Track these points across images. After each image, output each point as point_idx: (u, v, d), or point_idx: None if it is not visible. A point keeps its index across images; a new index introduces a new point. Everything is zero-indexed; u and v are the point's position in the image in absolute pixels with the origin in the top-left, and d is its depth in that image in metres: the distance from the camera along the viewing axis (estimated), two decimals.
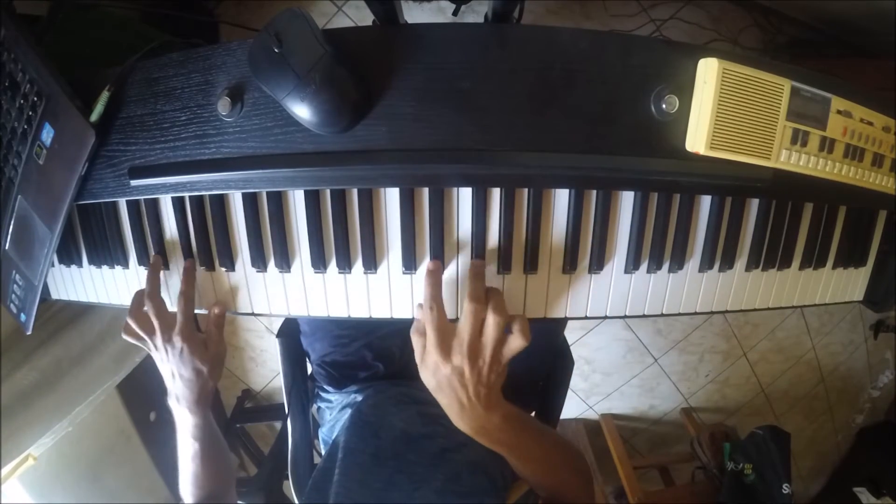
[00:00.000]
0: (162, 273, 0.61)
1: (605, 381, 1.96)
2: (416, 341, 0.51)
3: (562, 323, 0.88)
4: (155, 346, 0.59)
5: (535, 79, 0.49)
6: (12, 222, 0.63)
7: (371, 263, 0.56)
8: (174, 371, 0.59)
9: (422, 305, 0.52)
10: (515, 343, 0.50)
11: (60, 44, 0.71)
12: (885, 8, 1.13)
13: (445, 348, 0.48)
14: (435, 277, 0.52)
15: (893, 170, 0.60)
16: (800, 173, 0.54)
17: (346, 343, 0.78)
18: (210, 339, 0.61)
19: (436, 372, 0.49)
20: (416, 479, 0.57)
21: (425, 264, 0.55)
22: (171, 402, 0.61)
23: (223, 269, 0.60)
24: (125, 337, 0.60)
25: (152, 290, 0.58)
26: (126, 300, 0.65)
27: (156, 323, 0.58)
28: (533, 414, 0.88)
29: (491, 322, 0.49)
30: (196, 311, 0.62)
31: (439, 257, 0.55)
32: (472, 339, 0.48)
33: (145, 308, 0.58)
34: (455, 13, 1.36)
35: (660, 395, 2.02)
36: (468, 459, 0.61)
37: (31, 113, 0.57)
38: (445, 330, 0.49)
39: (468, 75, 0.49)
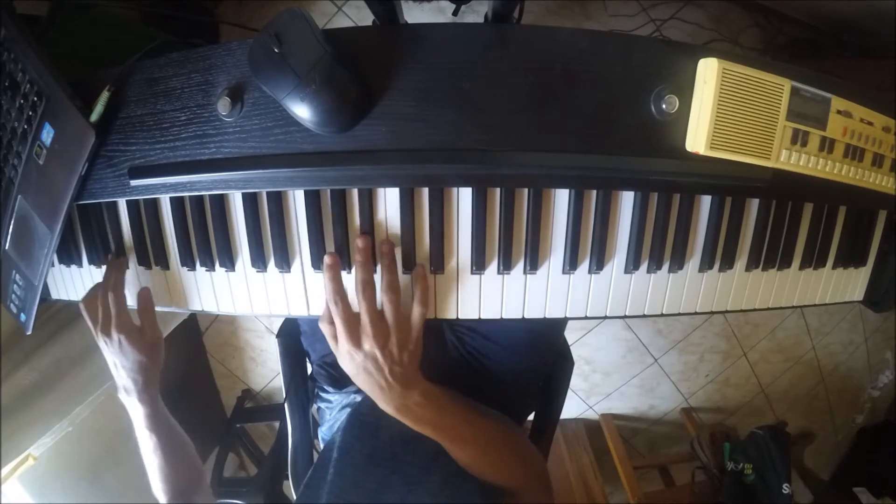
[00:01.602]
0: (151, 280, 0.63)
1: (605, 381, 1.96)
2: (325, 330, 0.53)
3: (562, 323, 0.88)
4: (97, 335, 0.61)
5: (535, 79, 0.49)
6: (12, 222, 0.63)
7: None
8: (116, 362, 0.61)
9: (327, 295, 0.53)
10: (416, 312, 0.52)
11: (60, 44, 0.71)
12: (885, 8, 1.14)
13: (354, 337, 0.51)
14: (334, 271, 0.53)
15: (893, 170, 0.60)
16: (800, 173, 0.54)
17: None
18: (143, 327, 0.62)
19: (350, 360, 0.52)
20: (411, 480, 0.57)
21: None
22: (121, 396, 0.63)
23: (223, 269, 0.60)
24: (81, 302, 0.62)
25: (115, 283, 0.60)
26: (126, 300, 0.65)
27: (100, 312, 0.60)
28: (533, 414, 0.88)
29: (386, 301, 0.51)
30: (169, 310, 0.63)
31: (439, 257, 0.55)
32: (375, 323, 0.50)
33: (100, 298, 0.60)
34: (455, 13, 1.36)
35: (660, 395, 2.02)
36: None
37: (31, 113, 0.57)
38: (351, 320, 0.51)
39: (468, 75, 0.49)
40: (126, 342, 0.59)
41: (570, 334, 1.03)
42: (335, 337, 0.52)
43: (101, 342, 0.61)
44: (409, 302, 0.54)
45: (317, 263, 0.57)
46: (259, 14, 1.40)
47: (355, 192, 0.54)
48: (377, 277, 0.54)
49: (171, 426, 0.66)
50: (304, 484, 0.61)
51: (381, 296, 0.52)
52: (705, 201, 0.57)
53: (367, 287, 0.51)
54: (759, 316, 1.94)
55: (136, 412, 0.63)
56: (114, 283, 0.60)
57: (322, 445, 0.85)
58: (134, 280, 0.64)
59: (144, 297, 0.62)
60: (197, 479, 0.68)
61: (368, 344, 0.50)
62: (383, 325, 0.51)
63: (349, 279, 0.55)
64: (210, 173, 0.53)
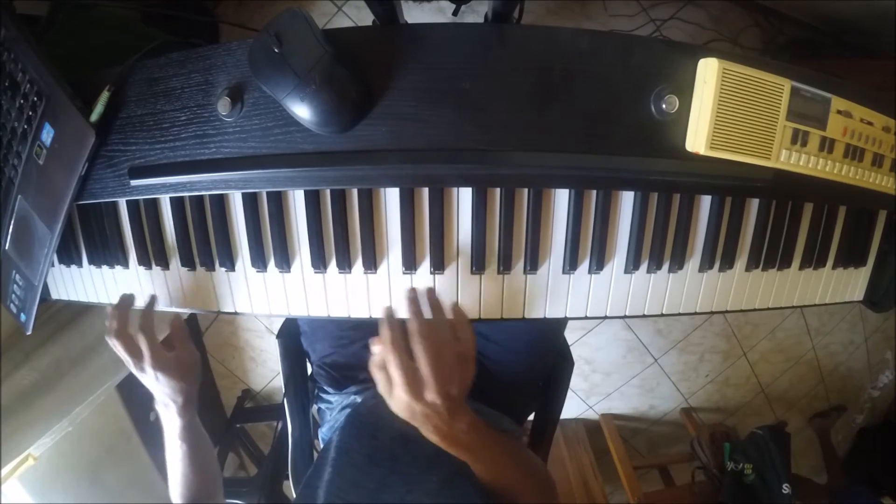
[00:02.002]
0: (151, 279, 0.63)
1: (605, 381, 1.96)
2: (377, 376, 0.51)
3: (562, 323, 0.88)
4: (133, 368, 0.61)
5: (535, 79, 0.49)
6: (12, 222, 0.63)
7: (371, 263, 0.56)
8: (154, 388, 0.62)
9: (374, 340, 0.51)
10: (465, 348, 0.51)
11: (60, 44, 0.71)
12: (885, 8, 1.14)
13: (415, 390, 0.48)
14: (392, 321, 0.51)
15: (893, 170, 0.60)
16: (800, 173, 0.54)
17: (346, 344, 0.78)
18: (181, 356, 0.63)
19: (409, 410, 0.50)
20: (410, 480, 0.57)
21: (426, 261, 0.55)
22: (159, 407, 0.64)
23: (223, 269, 0.60)
24: (114, 336, 0.62)
25: (117, 326, 0.60)
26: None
27: (127, 357, 0.60)
28: (533, 414, 0.88)
29: (446, 348, 0.49)
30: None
31: (439, 257, 0.55)
32: (438, 376, 0.48)
33: (115, 341, 0.60)
34: (455, 13, 1.36)
35: (660, 395, 2.02)
36: (462, 463, 0.61)
37: (31, 113, 0.57)
38: (411, 373, 0.49)
39: (468, 75, 0.49)
40: (162, 376, 0.60)
41: (570, 334, 1.03)
42: (387, 386, 0.50)
43: (135, 372, 0.61)
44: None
45: (317, 263, 0.57)
46: (259, 14, 1.40)
47: (355, 192, 0.54)
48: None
49: (201, 437, 0.67)
50: (303, 484, 0.61)
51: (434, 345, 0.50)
52: (705, 201, 0.57)
53: (425, 338, 0.49)
54: (759, 316, 1.94)
55: (172, 423, 0.64)
56: (142, 324, 0.60)
57: (322, 446, 0.85)
58: (134, 281, 0.64)
59: (177, 326, 0.63)
60: (216, 487, 0.69)
61: (432, 395, 0.48)
62: (445, 370, 0.49)
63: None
64: (210, 173, 0.53)
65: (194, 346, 0.65)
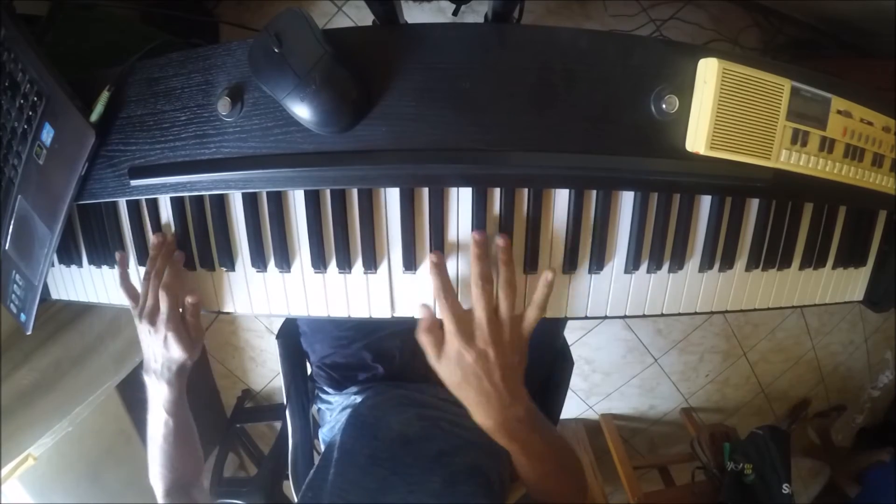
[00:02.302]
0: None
1: (605, 381, 1.96)
2: (425, 341, 0.50)
3: (562, 323, 0.88)
4: (139, 319, 0.59)
5: (535, 79, 0.49)
6: (12, 222, 0.63)
7: (371, 263, 0.56)
8: (155, 351, 0.59)
9: (426, 305, 0.52)
10: (532, 314, 0.50)
11: (60, 44, 0.71)
12: (885, 8, 1.14)
13: (467, 334, 0.47)
14: (440, 268, 0.52)
15: (893, 170, 0.60)
16: (800, 173, 0.54)
17: (346, 344, 0.78)
18: (190, 327, 0.61)
19: (459, 361, 0.48)
20: (412, 481, 0.57)
21: (427, 260, 0.55)
22: (148, 377, 0.61)
23: (223, 269, 0.60)
24: (120, 288, 0.61)
25: (161, 268, 0.58)
26: (126, 300, 0.65)
27: (150, 300, 0.58)
28: None
29: (503, 298, 0.49)
30: None
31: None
32: (491, 320, 0.48)
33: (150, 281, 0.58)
34: (455, 13, 1.36)
35: (660, 395, 2.02)
36: (465, 463, 0.61)
37: (31, 113, 0.57)
38: (463, 317, 0.48)
39: (468, 75, 0.49)
40: (172, 339, 0.58)
41: (570, 334, 1.03)
42: (437, 346, 0.49)
43: (143, 327, 0.59)
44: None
45: (317, 263, 0.57)
46: (259, 14, 1.40)
47: (355, 192, 0.54)
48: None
49: (187, 415, 0.65)
50: (306, 485, 0.61)
51: (496, 293, 0.49)
52: (705, 201, 0.57)
53: (486, 282, 0.48)
54: (759, 316, 1.94)
55: (159, 394, 0.61)
56: (169, 280, 0.58)
57: (322, 446, 0.85)
58: (134, 281, 0.64)
59: (195, 300, 0.61)
60: (198, 473, 0.67)
61: (483, 341, 0.47)
62: (498, 322, 0.48)
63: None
64: (210, 173, 0.53)
65: (202, 326, 0.63)
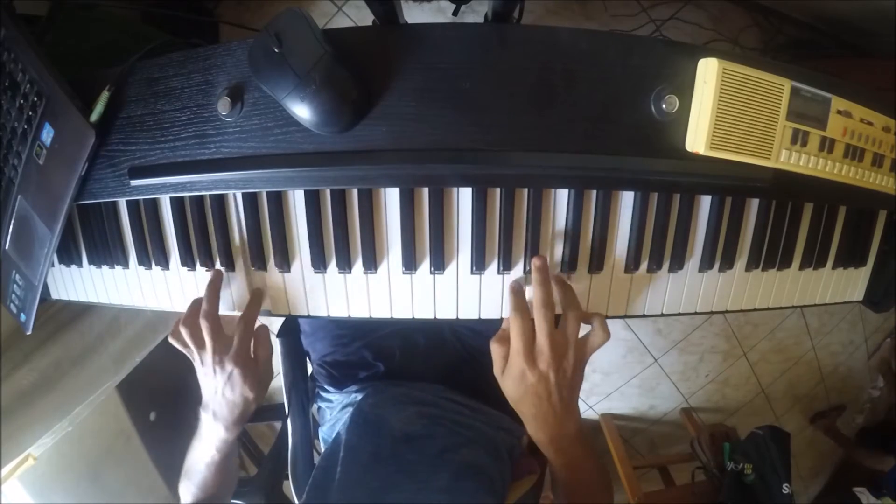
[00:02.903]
0: (164, 277, 0.61)
1: (605, 381, 1.96)
2: (496, 351, 0.51)
3: None
4: (202, 362, 0.56)
5: (535, 79, 0.49)
6: (12, 222, 0.63)
7: (371, 263, 0.56)
8: (218, 390, 0.56)
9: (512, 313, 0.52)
10: (596, 339, 0.51)
11: (60, 44, 0.71)
12: (885, 8, 1.14)
13: (530, 356, 0.49)
14: (518, 291, 0.52)
15: (893, 170, 0.60)
16: (800, 173, 0.54)
17: (347, 343, 0.78)
18: (258, 363, 0.58)
19: (522, 380, 0.49)
20: (417, 479, 0.57)
21: (426, 262, 0.55)
22: (205, 415, 0.58)
23: (223, 269, 0.60)
24: (171, 341, 0.57)
25: (210, 308, 0.55)
26: (126, 300, 0.65)
27: (209, 343, 0.55)
28: None
29: (568, 318, 0.50)
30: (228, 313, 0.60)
31: (439, 257, 0.55)
32: (554, 345, 0.49)
33: (200, 322, 0.55)
34: (455, 13, 1.36)
35: (660, 395, 2.02)
36: (468, 460, 0.61)
37: (31, 113, 0.57)
38: (531, 338, 0.49)
39: (468, 75, 0.49)
40: (239, 376, 0.55)
41: None
42: (505, 357, 0.51)
43: (208, 368, 0.55)
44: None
45: (317, 263, 0.57)
46: (259, 14, 1.40)
47: (355, 192, 0.54)
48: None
49: (236, 451, 0.64)
50: (310, 484, 0.61)
51: (562, 316, 0.51)
52: (705, 201, 0.57)
53: (548, 308, 0.49)
54: (759, 316, 1.94)
55: (215, 434, 0.58)
56: (249, 313, 0.56)
57: (322, 445, 0.85)
58: (134, 281, 0.64)
59: (264, 333, 0.59)
60: (230, 490, 0.68)
61: (545, 365, 0.48)
62: (562, 346, 0.49)
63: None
64: (210, 173, 0.53)
65: (272, 362, 0.61)
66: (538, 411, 0.50)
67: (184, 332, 0.56)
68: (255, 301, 0.57)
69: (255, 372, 0.57)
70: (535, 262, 0.52)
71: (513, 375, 0.50)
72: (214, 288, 0.57)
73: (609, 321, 0.54)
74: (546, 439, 0.52)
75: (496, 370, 0.52)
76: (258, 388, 0.58)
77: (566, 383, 0.50)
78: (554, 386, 0.49)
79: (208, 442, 0.59)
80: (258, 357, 0.59)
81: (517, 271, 0.56)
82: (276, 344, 0.85)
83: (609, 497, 0.61)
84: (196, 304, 0.57)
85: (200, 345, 0.56)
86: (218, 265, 0.59)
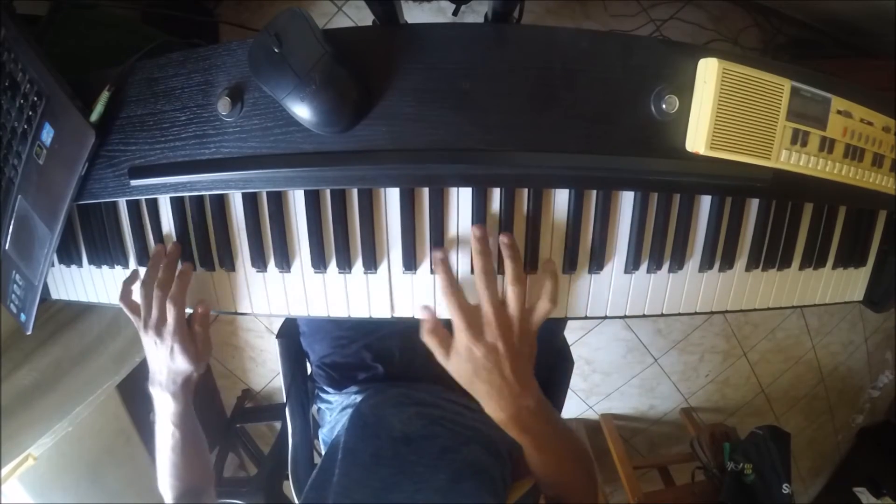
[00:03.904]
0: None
1: (605, 381, 1.96)
2: (430, 342, 0.51)
3: (562, 323, 0.88)
4: (145, 330, 0.58)
5: (535, 79, 0.49)
6: (12, 222, 0.63)
7: (371, 263, 0.56)
8: (161, 360, 0.59)
9: (426, 306, 0.52)
10: (543, 307, 0.50)
11: (60, 44, 0.71)
12: (885, 8, 1.14)
13: (475, 329, 0.48)
14: (444, 264, 0.52)
15: (893, 170, 0.60)
16: (800, 173, 0.54)
17: (346, 344, 0.78)
18: (197, 338, 0.60)
19: (469, 356, 0.49)
20: (417, 479, 0.57)
21: (427, 260, 0.55)
22: (154, 389, 0.61)
23: (223, 270, 0.60)
24: (120, 303, 0.60)
25: (165, 277, 0.57)
26: (127, 312, 0.65)
27: (155, 312, 0.57)
28: None
29: (510, 293, 0.49)
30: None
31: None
32: (499, 314, 0.48)
33: (153, 290, 0.57)
34: (455, 13, 1.36)
35: (660, 395, 2.02)
36: (468, 460, 0.61)
37: (31, 113, 0.57)
38: (470, 311, 0.49)
39: (468, 75, 0.49)
40: (178, 350, 0.58)
41: (570, 334, 1.03)
42: (444, 345, 0.50)
43: (148, 339, 0.58)
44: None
45: (317, 263, 0.57)
46: (259, 14, 1.40)
47: (355, 192, 0.54)
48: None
49: (195, 425, 0.65)
50: (309, 486, 0.61)
51: (504, 288, 0.50)
52: (705, 201, 0.57)
53: (490, 276, 0.49)
54: (759, 316, 1.94)
55: (166, 407, 0.61)
56: (177, 291, 0.57)
57: (322, 446, 0.85)
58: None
59: (205, 309, 0.61)
60: (207, 480, 0.68)
61: (491, 335, 0.48)
62: (506, 316, 0.49)
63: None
64: (210, 173, 0.53)
65: (210, 337, 0.63)
66: (491, 386, 0.49)
67: (125, 297, 0.59)
68: (183, 278, 0.59)
69: (193, 346, 0.59)
70: (475, 231, 0.51)
71: (459, 353, 0.49)
72: (172, 259, 0.58)
73: (609, 321, 0.54)
74: (505, 417, 0.50)
75: (439, 358, 0.51)
76: (196, 361, 0.60)
77: (516, 354, 0.49)
78: (504, 357, 0.48)
79: (164, 419, 0.61)
80: (195, 333, 0.60)
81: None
82: (276, 345, 0.85)
83: (590, 478, 0.60)
84: (153, 271, 0.58)
85: (148, 312, 0.58)
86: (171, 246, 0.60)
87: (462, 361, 0.49)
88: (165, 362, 0.59)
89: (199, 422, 0.66)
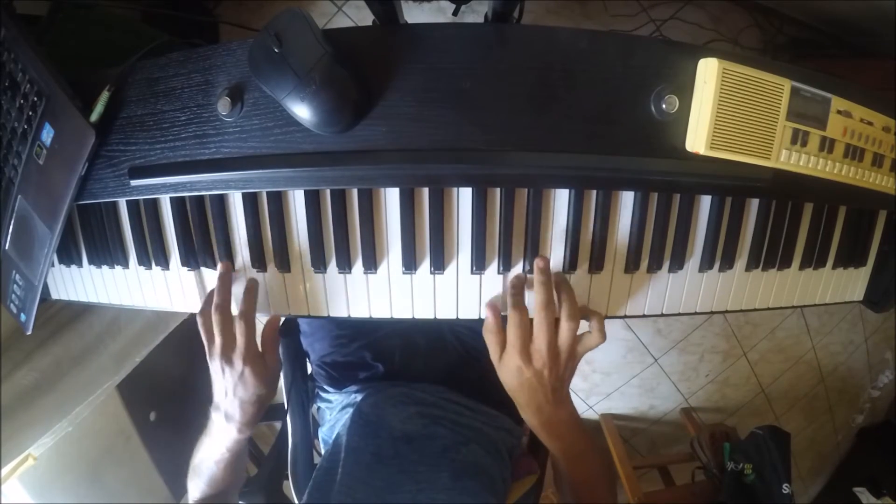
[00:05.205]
0: (164, 277, 0.61)
1: (605, 381, 1.96)
2: (490, 340, 0.54)
3: None
4: (211, 358, 0.56)
5: (535, 79, 0.49)
6: (12, 222, 0.63)
7: (371, 263, 0.56)
8: (229, 390, 0.55)
9: (494, 305, 0.55)
10: (592, 341, 0.53)
11: (60, 44, 0.71)
12: (885, 8, 1.13)
13: (526, 353, 0.51)
14: (518, 286, 0.54)
15: (893, 170, 0.60)
16: (800, 173, 0.54)
17: (346, 343, 0.78)
18: (267, 358, 0.57)
19: (518, 375, 0.52)
20: (419, 479, 0.57)
21: (426, 261, 0.55)
22: (216, 415, 0.58)
23: (229, 263, 0.59)
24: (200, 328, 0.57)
25: (221, 301, 0.55)
26: (126, 300, 0.65)
27: (218, 338, 0.54)
28: None
29: (565, 327, 0.51)
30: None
31: (439, 257, 0.55)
32: (551, 345, 0.51)
33: (212, 315, 0.55)
34: (455, 13, 1.36)
35: (660, 395, 2.02)
36: (469, 460, 0.61)
37: (31, 113, 0.57)
38: (526, 334, 0.51)
39: (468, 75, 0.49)
40: (250, 374, 0.54)
41: None
42: (499, 349, 0.53)
43: (217, 366, 0.55)
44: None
45: (317, 264, 0.57)
46: (259, 14, 1.40)
47: (355, 192, 0.54)
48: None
49: (245, 450, 0.63)
50: (311, 485, 0.61)
51: (560, 321, 0.52)
52: (705, 201, 0.57)
53: (548, 311, 0.51)
54: (759, 316, 1.94)
55: (227, 435, 0.58)
56: (246, 309, 0.55)
57: (322, 445, 0.85)
58: (134, 281, 0.64)
59: (273, 325, 0.58)
60: (237, 487, 0.68)
61: (540, 363, 0.51)
62: (557, 347, 0.51)
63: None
64: (210, 173, 0.53)
65: (280, 356, 0.60)
66: (531, 400, 0.53)
67: (200, 323, 0.56)
68: (249, 294, 0.56)
69: (265, 367, 0.56)
70: (538, 263, 0.53)
71: (509, 368, 0.52)
72: (224, 280, 0.56)
73: (609, 321, 0.55)
74: (539, 423, 0.54)
75: (493, 356, 0.54)
76: (270, 383, 0.57)
77: (559, 381, 0.52)
78: (547, 381, 0.51)
79: (219, 442, 0.59)
80: (266, 351, 0.57)
81: (517, 271, 0.56)
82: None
83: (612, 495, 0.62)
84: (210, 296, 0.57)
85: (211, 339, 0.55)
86: (221, 260, 0.59)
87: (510, 376, 0.53)
88: (233, 390, 0.55)
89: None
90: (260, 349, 0.57)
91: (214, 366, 0.55)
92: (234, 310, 0.56)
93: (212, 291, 0.57)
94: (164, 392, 1.31)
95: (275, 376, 0.59)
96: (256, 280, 0.57)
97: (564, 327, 0.51)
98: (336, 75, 0.46)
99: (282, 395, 0.84)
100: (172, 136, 0.55)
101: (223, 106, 0.51)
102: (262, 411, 0.58)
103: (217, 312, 0.54)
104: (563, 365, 0.52)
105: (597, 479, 0.60)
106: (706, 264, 0.58)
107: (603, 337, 0.53)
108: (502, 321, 0.54)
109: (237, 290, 0.57)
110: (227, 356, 0.54)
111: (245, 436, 0.59)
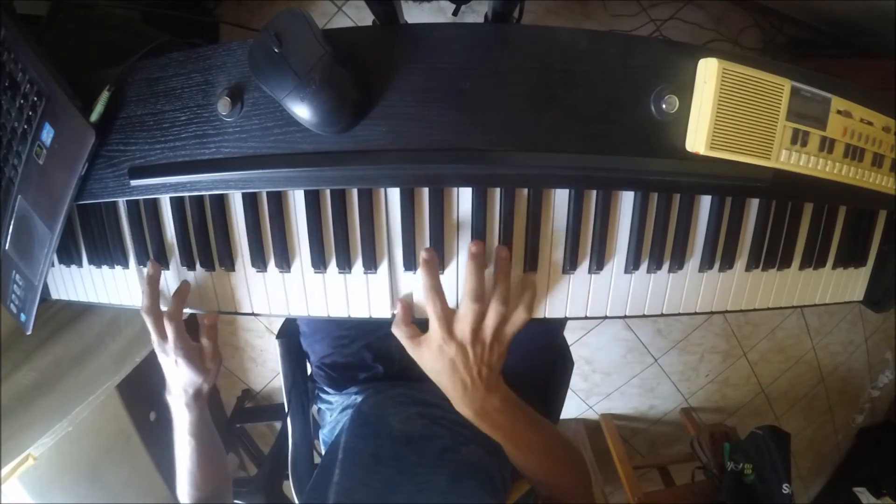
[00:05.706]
0: (162, 275, 0.61)
1: (605, 381, 1.96)
2: (400, 333, 0.53)
3: (562, 323, 0.88)
4: (154, 345, 0.61)
5: (535, 79, 0.49)
6: (12, 222, 0.63)
7: (371, 263, 0.56)
8: (171, 375, 0.62)
9: (403, 300, 0.54)
10: (518, 318, 0.51)
11: (60, 44, 0.71)
12: (885, 8, 1.13)
13: (448, 326, 0.50)
14: (432, 267, 0.53)
15: (893, 170, 0.60)
16: (800, 173, 0.54)
17: (346, 344, 0.78)
18: (205, 350, 0.63)
19: (440, 353, 0.51)
20: (418, 479, 0.57)
21: (419, 257, 0.55)
22: (169, 399, 0.63)
23: (223, 270, 0.60)
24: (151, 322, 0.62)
25: (149, 303, 0.59)
26: (126, 300, 0.65)
27: (153, 333, 0.60)
28: None
29: (492, 311, 0.50)
30: (194, 311, 0.63)
31: (439, 257, 0.55)
32: (475, 331, 0.50)
33: (142, 315, 0.60)
34: (455, 13, 1.36)
35: (660, 395, 2.02)
36: (468, 460, 0.61)
37: (31, 113, 0.57)
38: (447, 312, 0.51)
39: (468, 75, 0.49)
40: (183, 363, 0.60)
41: (570, 334, 1.03)
42: (413, 338, 0.53)
43: (158, 351, 0.61)
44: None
45: (317, 263, 0.57)
46: (259, 14, 1.40)
47: (355, 192, 0.54)
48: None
49: (211, 434, 0.67)
50: (310, 486, 0.61)
51: (488, 302, 0.51)
52: (705, 201, 0.57)
53: (478, 301, 0.50)
54: (759, 316, 1.94)
55: (181, 416, 0.63)
56: (174, 309, 0.60)
57: (322, 446, 0.85)
58: (134, 281, 0.64)
59: (212, 320, 0.63)
60: (224, 484, 0.69)
61: (461, 334, 0.50)
62: (482, 326, 0.50)
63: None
64: (210, 173, 0.53)
65: (219, 348, 0.65)
66: (456, 385, 0.51)
67: (146, 319, 0.61)
68: (178, 296, 0.60)
69: (199, 358, 0.62)
70: (471, 247, 0.52)
71: (431, 348, 0.51)
72: (152, 282, 0.60)
73: (609, 321, 0.55)
74: (471, 413, 0.53)
75: (408, 348, 0.53)
76: (203, 372, 0.62)
77: (485, 360, 0.51)
78: (473, 360, 0.50)
79: (180, 427, 0.64)
80: (202, 344, 0.62)
81: (517, 271, 0.56)
82: (276, 345, 0.85)
83: (580, 476, 0.61)
84: (149, 295, 0.60)
85: (153, 331, 0.61)
86: (152, 258, 0.62)
87: (431, 356, 0.52)
88: (175, 375, 0.61)
89: (215, 430, 0.68)
90: (199, 342, 0.62)
91: (157, 352, 0.62)
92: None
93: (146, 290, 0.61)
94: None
95: (210, 360, 0.63)
96: (188, 282, 0.61)
97: (492, 310, 0.50)
98: (336, 75, 0.46)
99: (282, 395, 0.84)
100: (172, 136, 0.55)
101: (223, 106, 0.51)
102: (203, 395, 0.64)
103: (144, 314, 0.59)
104: (487, 344, 0.50)
105: (556, 468, 0.59)
106: (706, 264, 0.58)
107: (528, 313, 0.51)
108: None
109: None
110: (161, 348, 0.61)
111: (194, 415, 0.63)
